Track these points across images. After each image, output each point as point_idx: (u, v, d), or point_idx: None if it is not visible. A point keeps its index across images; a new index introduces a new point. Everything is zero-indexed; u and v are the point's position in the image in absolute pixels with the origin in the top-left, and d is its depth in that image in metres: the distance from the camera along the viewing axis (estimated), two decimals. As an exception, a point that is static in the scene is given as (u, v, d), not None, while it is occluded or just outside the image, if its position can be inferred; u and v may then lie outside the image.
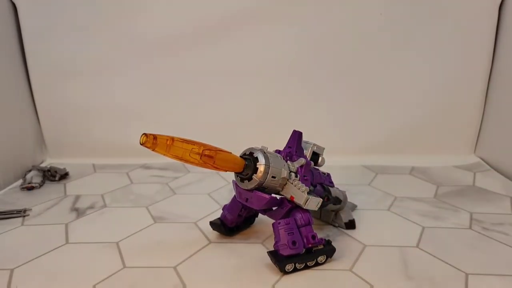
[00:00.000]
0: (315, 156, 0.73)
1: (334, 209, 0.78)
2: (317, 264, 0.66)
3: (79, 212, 0.88)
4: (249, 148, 0.65)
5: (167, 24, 1.14)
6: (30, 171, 1.12)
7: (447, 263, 0.66)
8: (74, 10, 1.13)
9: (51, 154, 1.24)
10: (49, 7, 1.13)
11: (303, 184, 0.64)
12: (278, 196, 0.66)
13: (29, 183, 1.02)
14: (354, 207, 0.86)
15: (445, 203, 0.90)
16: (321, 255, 0.66)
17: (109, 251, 0.72)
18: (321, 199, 0.65)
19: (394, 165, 1.14)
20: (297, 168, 0.67)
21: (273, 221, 0.66)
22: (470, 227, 0.79)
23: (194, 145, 0.58)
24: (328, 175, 0.78)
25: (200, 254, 0.70)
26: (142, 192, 0.99)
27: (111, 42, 1.15)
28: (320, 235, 0.71)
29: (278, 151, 0.70)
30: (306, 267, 0.65)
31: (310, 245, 0.64)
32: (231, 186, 1.01)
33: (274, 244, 0.64)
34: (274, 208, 0.69)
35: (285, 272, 0.63)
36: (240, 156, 0.64)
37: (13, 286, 0.62)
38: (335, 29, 1.14)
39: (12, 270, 0.66)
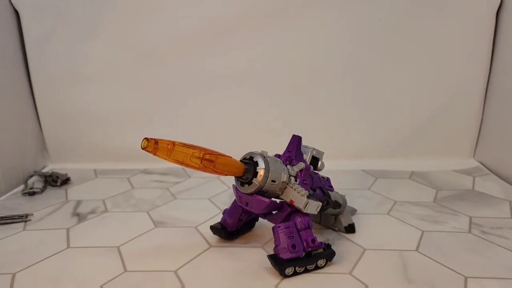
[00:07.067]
0: (315, 160, 0.74)
1: (334, 213, 0.79)
2: (317, 267, 0.66)
3: (80, 217, 0.88)
4: (249, 153, 0.65)
5: (167, 30, 1.15)
6: (31, 176, 1.12)
7: (446, 266, 0.67)
8: (76, 16, 1.14)
9: (53, 160, 1.25)
10: (51, 13, 1.14)
11: (303, 188, 0.64)
12: (278, 200, 0.67)
13: (30, 188, 1.03)
14: (354, 211, 0.87)
15: (444, 207, 0.90)
16: (321, 259, 0.66)
17: (110, 255, 0.72)
18: (321, 203, 0.65)
19: (394, 169, 1.14)
20: (297, 172, 0.68)
21: (273, 225, 0.67)
22: (470, 231, 0.79)
23: (194, 149, 0.59)
24: (328, 179, 0.79)
25: (201, 258, 0.71)
26: (143, 197, 0.99)
27: (112, 47, 1.17)
28: (320, 239, 0.71)
29: (277, 156, 0.71)
30: (306, 271, 0.65)
31: (310, 249, 0.65)
32: (231, 191, 1.01)
33: (274, 248, 0.65)
34: (274, 212, 0.69)
35: (285, 276, 0.64)
36: (240, 161, 0.65)
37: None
38: (334, 34, 1.15)
39: (14, 275, 0.66)
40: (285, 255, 0.63)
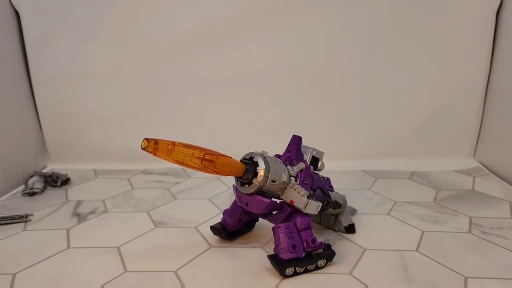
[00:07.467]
0: (315, 160, 0.74)
1: (334, 213, 0.79)
2: (317, 268, 0.66)
3: (80, 217, 0.88)
4: (249, 153, 0.65)
5: (168, 30, 1.15)
6: (32, 176, 1.12)
7: (446, 266, 0.67)
8: (76, 16, 1.14)
9: (53, 160, 1.25)
10: (51, 13, 1.14)
11: (303, 188, 0.64)
12: (278, 201, 0.67)
13: (31, 189, 1.03)
14: (354, 211, 0.87)
15: (444, 207, 0.90)
16: (321, 259, 0.66)
17: (111, 255, 0.72)
18: (321, 203, 0.65)
19: (394, 169, 1.14)
20: (297, 172, 0.68)
21: (273, 225, 0.67)
22: (470, 231, 0.79)
23: (195, 149, 0.59)
24: (328, 179, 0.79)
25: (201, 258, 0.71)
26: (143, 197, 0.99)
27: (112, 47, 1.17)
28: (320, 239, 0.71)
29: (278, 156, 0.71)
30: (306, 271, 0.65)
31: (310, 249, 0.65)
32: (231, 191, 1.01)
33: (274, 248, 0.65)
34: (274, 212, 0.69)
35: (285, 276, 0.64)
36: (240, 161, 0.65)
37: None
38: (334, 34, 1.15)
39: (14, 275, 0.66)
40: (285, 255, 0.63)
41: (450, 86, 1.16)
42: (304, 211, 0.64)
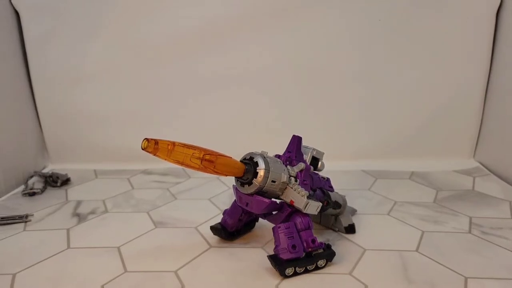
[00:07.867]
0: (315, 160, 0.74)
1: (334, 214, 0.79)
2: (317, 268, 0.66)
3: (80, 218, 0.88)
4: (249, 153, 0.65)
5: (168, 30, 1.15)
6: (32, 177, 1.12)
7: (446, 267, 0.67)
8: (76, 16, 1.14)
9: (53, 160, 1.25)
10: (51, 13, 1.14)
11: (303, 189, 0.64)
12: (278, 201, 0.67)
13: (31, 189, 1.03)
14: (354, 211, 0.87)
15: (444, 207, 0.90)
16: (321, 259, 0.66)
17: (111, 255, 0.72)
18: (321, 204, 0.65)
19: (394, 169, 1.14)
20: (297, 172, 0.68)
21: (273, 225, 0.67)
22: (470, 231, 0.79)
23: (195, 149, 0.59)
24: (328, 179, 0.79)
25: (201, 258, 0.71)
26: (143, 197, 0.99)
27: (112, 47, 1.17)
28: (320, 239, 0.71)
29: (278, 156, 0.71)
30: (306, 271, 0.65)
31: (310, 249, 0.65)
32: (231, 191, 1.01)
33: (274, 248, 0.65)
34: (274, 213, 0.69)
35: (285, 276, 0.64)
36: (240, 161, 0.65)
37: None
38: (334, 34, 1.15)
39: (14, 275, 0.66)
40: (285, 256, 0.63)
41: (450, 86, 1.16)
42: (304, 211, 0.64)
